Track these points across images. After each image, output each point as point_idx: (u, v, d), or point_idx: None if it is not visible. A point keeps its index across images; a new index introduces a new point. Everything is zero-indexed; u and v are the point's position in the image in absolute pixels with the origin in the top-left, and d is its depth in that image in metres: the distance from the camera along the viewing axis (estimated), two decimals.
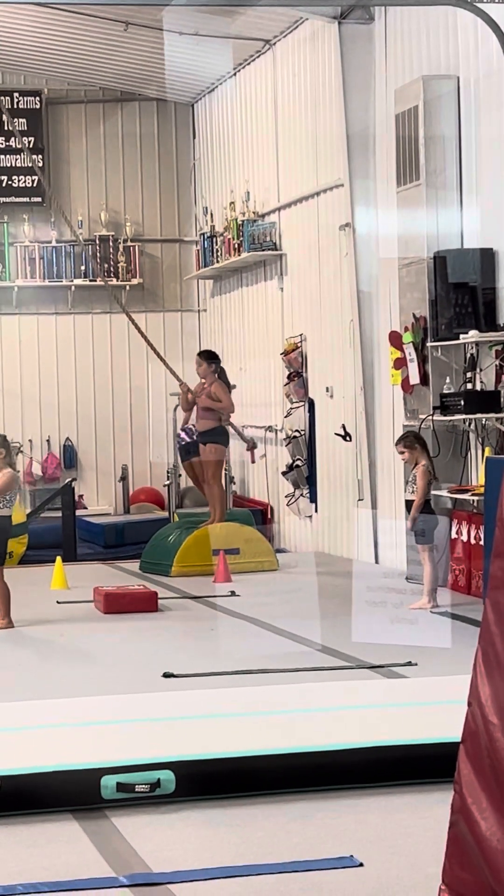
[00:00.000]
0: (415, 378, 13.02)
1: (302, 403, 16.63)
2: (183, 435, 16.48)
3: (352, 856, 5.46)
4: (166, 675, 9.03)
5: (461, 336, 12.27)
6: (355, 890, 5.10)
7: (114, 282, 20.06)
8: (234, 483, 17.20)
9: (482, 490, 11.74)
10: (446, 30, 13.04)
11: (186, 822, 6.04)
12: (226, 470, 15.56)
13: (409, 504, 11.86)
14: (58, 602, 12.61)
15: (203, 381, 14.77)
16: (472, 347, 12.47)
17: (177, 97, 20.26)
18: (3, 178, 19.90)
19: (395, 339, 13.43)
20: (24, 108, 19.99)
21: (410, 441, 11.83)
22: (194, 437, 15.38)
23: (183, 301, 20.76)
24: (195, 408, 14.78)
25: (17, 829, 5.97)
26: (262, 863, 5.42)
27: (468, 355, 12.56)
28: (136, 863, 5.52)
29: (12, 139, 19.54)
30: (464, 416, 12.34)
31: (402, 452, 11.84)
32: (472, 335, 12.14)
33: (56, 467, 20.15)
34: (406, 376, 13.22)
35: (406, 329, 13.14)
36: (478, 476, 12.46)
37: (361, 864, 5.38)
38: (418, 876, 5.17)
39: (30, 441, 20.09)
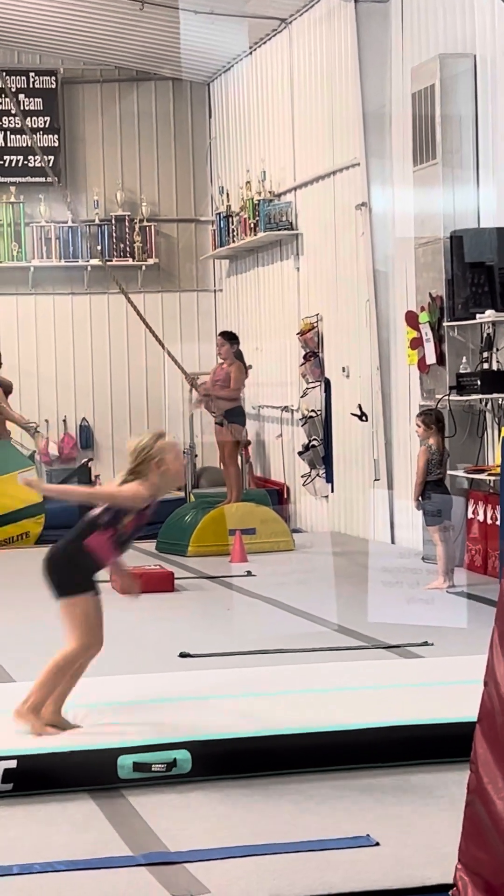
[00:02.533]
0: (431, 358, 13.00)
1: (318, 383, 16.61)
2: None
3: (368, 835, 5.46)
4: (182, 655, 9.04)
5: (478, 316, 12.25)
6: (371, 869, 5.11)
7: (129, 262, 20.05)
8: (249, 463, 17.19)
9: (498, 470, 11.72)
10: (462, 8, 12.99)
11: (202, 801, 6.05)
12: (240, 453, 15.60)
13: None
14: None
15: (222, 361, 14.79)
16: (488, 327, 12.44)
17: (192, 76, 20.21)
18: (18, 158, 19.88)
19: (412, 319, 13.41)
20: (39, 88, 19.97)
21: (429, 419, 11.85)
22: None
23: (199, 281, 20.74)
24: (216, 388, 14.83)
25: (34, 809, 5.99)
26: (279, 842, 5.43)
27: (485, 335, 12.53)
28: (153, 842, 5.53)
29: (28, 119, 19.53)
30: (480, 396, 12.32)
31: (418, 427, 11.92)
32: (489, 315, 12.11)
33: (72, 447, 20.17)
34: (422, 356, 13.19)
35: (422, 309, 13.11)
36: (494, 456, 12.45)
37: (377, 844, 5.39)
38: (434, 855, 5.18)
39: (46, 421, 20.09)
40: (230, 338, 15.00)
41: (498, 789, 4.46)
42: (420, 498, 11.77)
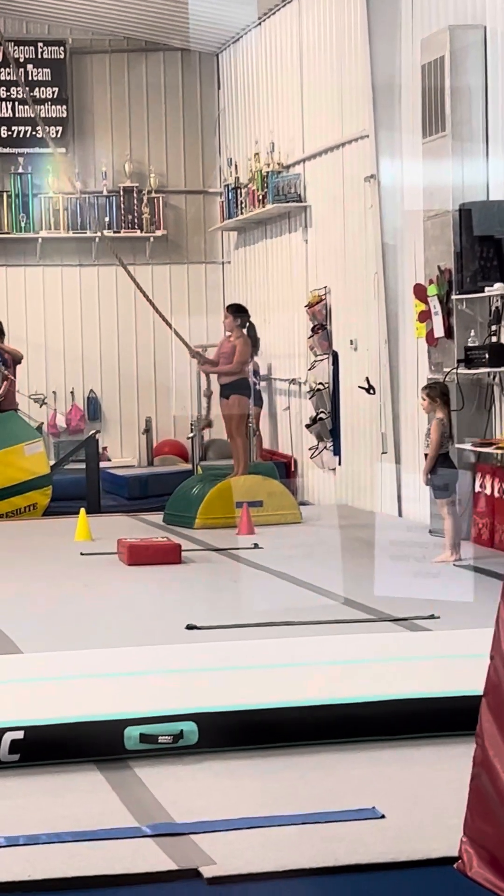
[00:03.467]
0: (439, 331, 12.98)
1: (326, 356, 16.60)
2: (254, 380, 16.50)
3: (374, 807, 5.48)
4: (189, 627, 9.06)
5: (486, 289, 12.22)
6: (376, 841, 5.12)
7: (137, 233, 20.03)
8: (257, 435, 17.19)
9: None
10: None
11: (209, 773, 6.07)
12: (250, 423, 15.59)
13: (426, 457, 11.86)
14: (81, 554, 12.65)
15: (229, 334, 14.78)
16: (497, 300, 12.41)
17: (201, 47, 20.14)
18: (26, 128, 19.84)
19: (420, 292, 13.38)
20: (48, 59, 19.91)
21: (435, 392, 11.84)
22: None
23: (207, 253, 20.70)
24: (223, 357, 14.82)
25: (41, 780, 6.01)
26: (285, 814, 5.45)
27: (493, 308, 12.50)
28: (159, 813, 5.55)
29: (37, 89, 19.47)
30: (488, 370, 12.30)
31: (423, 400, 11.88)
32: (498, 288, 12.08)
33: (80, 419, 20.18)
34: (430, 329, 13.17)
35: (431, 282, 13.08)
36: (502, 429, 12.44)
37: (383, 816, 5.40)
38: (440, 828, 5.19)
39: (54, 393, 20.10)
40: (236, 311, 14.97)
41: None
42: (430, 473, 11.76)
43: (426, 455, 11.83)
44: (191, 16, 18.06)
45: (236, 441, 14.70)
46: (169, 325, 15.88)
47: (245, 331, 14.80)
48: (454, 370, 12.66)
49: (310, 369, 16.99)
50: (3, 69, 19.63)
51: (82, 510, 14.09)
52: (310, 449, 17.06)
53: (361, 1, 14.79)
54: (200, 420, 16.72)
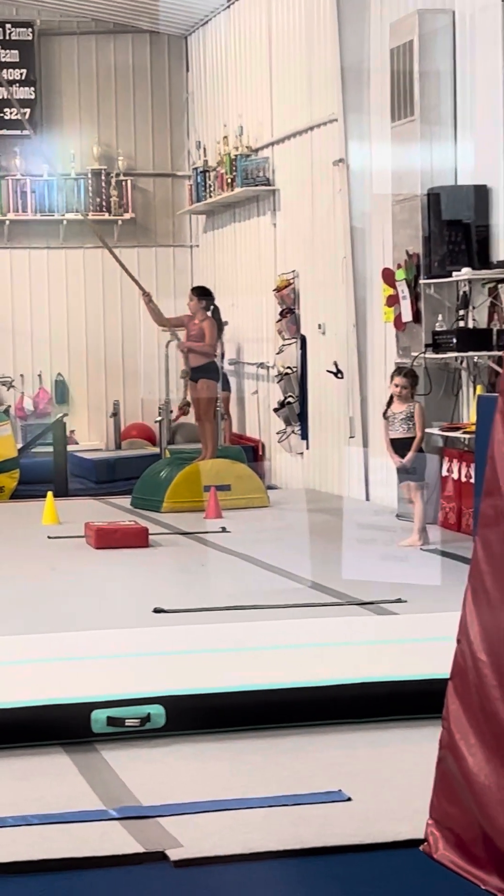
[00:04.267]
0: (407, 315, 12.99)
1: (294, 340, 16.60)
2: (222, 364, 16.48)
3: (340, 790, 5.49)
4: (157, 611, 9.06)
5: (454, 273, 12.24)
6: (343, 823, 5.14)
7: (105, 216, 19.98)
8: (226, 419, 17.19)
9: (473, 428, 11.74)
10: None
11: (176, 756, 6.08)
12: (218, 407, 15.59)
13: (394, 442, 11.82)
14: (49, 537, 12.63)
15: (192, 315, 14.76)
16: (464, 285, 12.43)
17: (170, 30, 20.09)
18: None
19: (388, 277, 13.39)
20: (16, 40, 19.82)
21: (415, 379, 11.84)
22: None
23: (175, 236, 20.67)
24: (191, 338, 14.79)
25: (7, 762, 6.00)
26: (252, 796, 5.46)
27: (461, 293, 12.52)
28: (126, 796, 5.56)
29: (4, 71, 19.38)
30: (456, 354, 12.32)
31: (403, 387, 11.72)
32: (465, 273, 12.10)
33: (47, 402, 20.14)
34: (398, 314, 13.19)
35: (399, 266, 13.09)
36: (469, 414, 12.47)
37: (350, 799, 5.42)
38: (406, 810, 5.21)
39: (21, 376, 20.05)
40: (200, 294, 14.94)
41: (469, 745, 4.49)
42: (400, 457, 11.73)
43: (393, 440, 11.79)
44: None
45: (205, 425, 14.70)
46: (135, 280, 15.75)
47: (210, 313, 14.78)
48: (422, 354, 12.68)
49: (278, 353, 16.99)
50: None
51: (50, 493, 14.06)
52: (278, 433, 17.06)
53: None
54: (169, 405, 16.66)
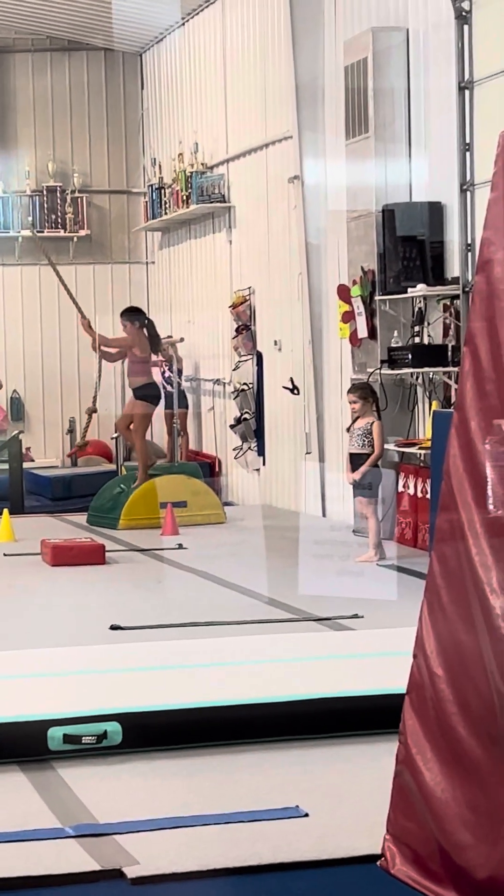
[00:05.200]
0: (363, 332, 13.03)
1: (250, 356, 16.61)
2: (165, 384, 16.44)
3: (297, 806, 5.49)
4: (113, 628, 9.03)
5: (409, 290, 12.29)
6: (301, 839, 5.13)
7: (61, 233, 19.95)
8: (183, 436, 17.18)
9: (429, 444, 11.78)
10: None
11: (133, 773, 6.06)
12: (175, 423, 15.61)
13: (352, 457, 11.86)
14: (4, 555, 12.58)
15: (132, 337, 14.67)
16: (419, 301, 12.48)
17: (125, 47, 20.10)
18: None
19: (343, 293, 13.42)
20: None
21: (365, 393, 11.86)
22: (171, 387, 15.55)
23: (131, 253, 20.66)
24: (127, 362, 14.78)
25: None
26: (209, 813, 5.45)
27: (416, 309, 12.57)
28: (83, 813, 5.53)
29: None
30: (411, 370, 12.37)
31: (353, 402, 11.84)
32: (420, 289, 12.15)
33: (3, 420, 20.06)
34: (354, 330, 13.22)
35: (354, 282, 13.13)
36: (425, 430, 12.50)
37: (307, 815, 5.41)
38: (363, 825, 5.21)
39: None
40: (129, 315, 14.80)
41: (426, 760, 4.50)
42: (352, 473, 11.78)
43: (351, 455, 11.83)
44: (114, 15, 18.01)
45: (136, 443, 14.62)
46: (77, 305, 15.66)
47: (145, 329, 14.71)
48: (377, 370, 12.71)
49: (234, 370, 17.00)
50: None
51: (5, 511, 14.01)
52: (234, 449, 17.06)
53: (285, 2, 14.82)
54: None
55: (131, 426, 14.77)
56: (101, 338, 14.93)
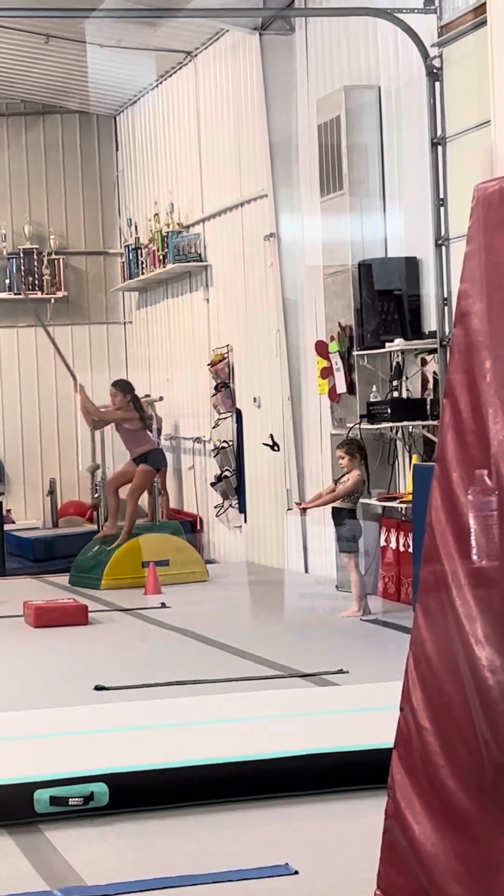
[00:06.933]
0: (341, 387, 13.07)
1: (229, 414, 16.64)
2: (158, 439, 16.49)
3: (287, 863, 5.46)
4: (98, 688, 9.00)
5: (387, 344, 12.34)
6: None
7: (38, 295, 19.98)
8: (163, 495, 17.18)
9: (410, 497, 11.80)
10: (366, 40, 13.11)
11: (121, 834, 6.02)
12: (155, 483, 15.60)
13: (335, 511, 11.91)
14: None
15: (118, 409, 14.68)
16: (397, 355, 12.53)
17: (99, 109, 20.23)
18: None
19: (321, 349, 13.47)
20: None
21: (352, 449, 11.92)
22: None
23: (108, 313, 20.71)
24: (121, 430, 14.79)
25: None
26: (198, 873, 5.41)
27: (394, 363, 12.62)
28: (71, 876, 5.49)
29: None
30: (391, 424, 12.40)
31: (341, 458, 11.90)
32: (398, 343, 12.20)
33: None
34: (333, 385, 13.26)
35: (332, 338, 13.18)
36: (406, 483, 12.52)
37: (296, 872, 5.38)
38: (353, 882, 5.18)
39: None
40: (122, 388, 14.85)
41: (415, 814, 4.48)
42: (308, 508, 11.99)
43: (335, 509, 11.86)
44: (89, 78, 18.13)
45: (129, 506, 14.60)
46: (72, 372, 15.71)
47: (131, 403, 14.73)
48: (357, 425, 12.74)
49: (214, 427, 17.02)
50: None
51: None
52: (215, 507, 17.06)
53: (257, 62, 14.95)
54: (105, 481, 16.60)
55: (120, 488, 14.77)
56: (99, 413, 14.94)
